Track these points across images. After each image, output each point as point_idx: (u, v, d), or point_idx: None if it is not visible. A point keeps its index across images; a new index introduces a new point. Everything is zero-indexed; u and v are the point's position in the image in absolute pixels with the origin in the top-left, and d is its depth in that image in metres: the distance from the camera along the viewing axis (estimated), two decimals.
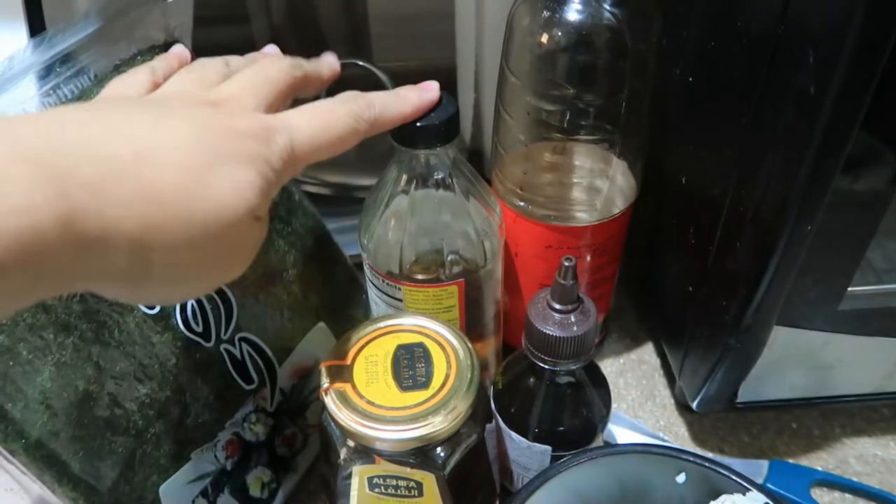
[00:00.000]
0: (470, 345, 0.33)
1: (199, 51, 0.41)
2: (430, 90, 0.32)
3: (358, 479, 0.31)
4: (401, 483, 0.31)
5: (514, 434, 0.36)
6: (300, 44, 0.74)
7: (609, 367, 0.49)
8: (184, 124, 0.23)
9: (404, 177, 0.35)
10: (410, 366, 0.32)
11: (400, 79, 0.61)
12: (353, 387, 0.31)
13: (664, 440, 0.44)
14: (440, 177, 0.35)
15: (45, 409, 0.29)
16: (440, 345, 0.33)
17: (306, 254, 0.42)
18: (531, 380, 0.35)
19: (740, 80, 0.30)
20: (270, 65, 0.28)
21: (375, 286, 0.38)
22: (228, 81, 0.26)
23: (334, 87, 0.62)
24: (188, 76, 0.27)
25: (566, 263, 0.31)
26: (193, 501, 0.34)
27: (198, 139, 0.22)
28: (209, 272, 0.24)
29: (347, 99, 0.28)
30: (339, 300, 0.44)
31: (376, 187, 0.37)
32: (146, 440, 0.33)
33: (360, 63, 0.59)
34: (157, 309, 0.34)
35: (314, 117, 0.26)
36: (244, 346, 0.37)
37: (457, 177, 0.35)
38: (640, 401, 0.47)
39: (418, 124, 0.32)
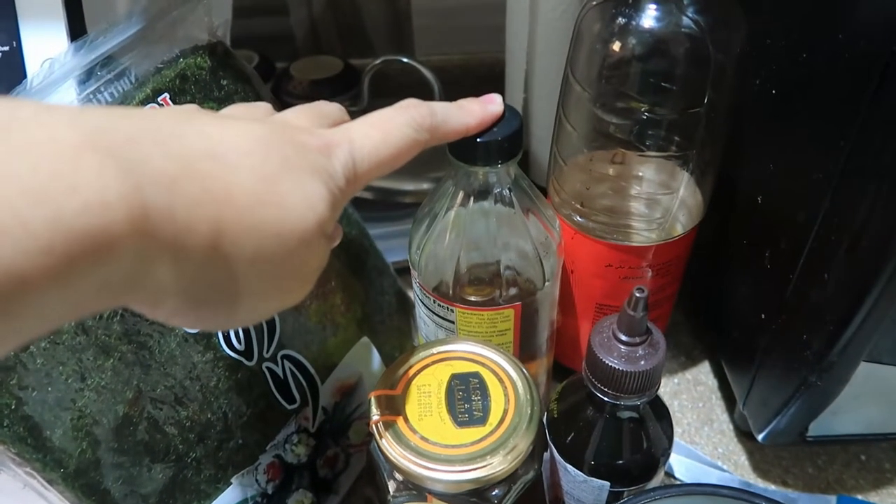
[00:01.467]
0: (529, 376, 0.31)
1: (235, 43, 0.39)
2: (494, 103, 0.30)
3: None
4: None
5: (569, 466, 0.33)
6: (339, 37, 0.72)
7: (663, 387, 0.46)
8: (255, 128, 0.21)
9: (461, 194, 0.33)
10: (466, 398, 0.30)
11: (442, 73, 0.59)
12: (406, 419, 0.29)
13: (724, 470, 0.41)
14: (498, 192, 0.33)
15: (84, 436, 0.28)
16: (497, 375, 0.31)
17: (350, 264, 0.40)
18: (590, 411, 0.33)
19: (838, 99, 0.28)
20: (391, 118, 0.25)
21: (425, 305, 0.36)
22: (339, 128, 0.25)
23: (378, 83, 0.60)
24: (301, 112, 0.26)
25: (637, 294, 0.29)
26: None
27: (269, 144, 0.21)
28: (272, 293, 0.22)
29: (407, 106, 0.26)
30: (383, 312, 0.42)
31: (429, 201, 0.35)
32: (187, 465, 0.31)
33: (405, 60, 0.57)
34: None
35: (374, 128, 0.24)
36: (287, 363, 0.36)
37: (516, 193, 0.33)
38: (697, 425, 0.44)
39: (479, 140, 0.30)
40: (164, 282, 0.18)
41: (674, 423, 0.44)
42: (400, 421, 0.29)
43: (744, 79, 0.34)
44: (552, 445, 0.34)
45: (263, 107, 0.27)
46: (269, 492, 0.34)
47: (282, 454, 0.35)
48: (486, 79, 0.64)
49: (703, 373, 0.47)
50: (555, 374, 0.43)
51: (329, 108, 0.27)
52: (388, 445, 0.28)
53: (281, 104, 0.41)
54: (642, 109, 0.32)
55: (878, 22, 0.24)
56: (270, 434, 0.34)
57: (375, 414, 0.29)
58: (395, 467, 0.28)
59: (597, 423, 0.33)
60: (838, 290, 0.29)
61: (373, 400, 0.30)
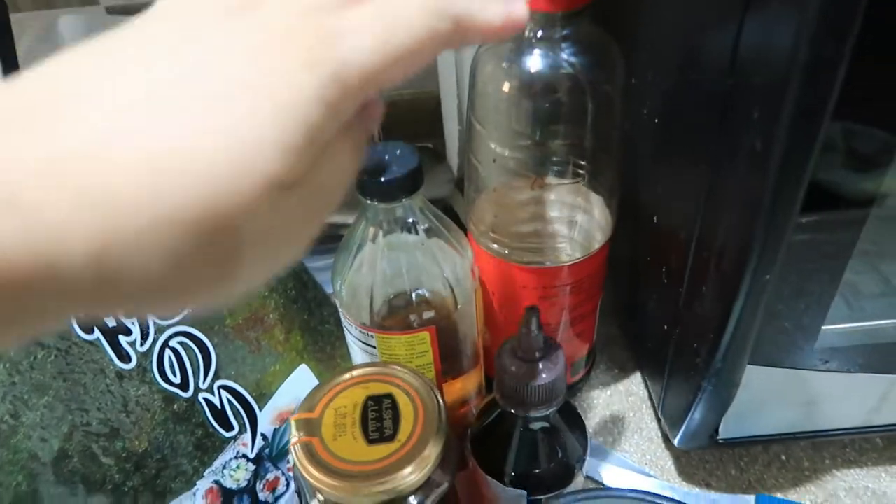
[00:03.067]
0: (437, 394, 0.33)
1: None
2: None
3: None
4: None
5: (489, 479, 0.36)
6: None
7: (596, 398, 0.49)
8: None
9: (371, 228, 0.35)
10: (378, 418, 0.32)
11: (393, 108, 0.62)
12: (321, 440, 0.31)
13: (650, 475, 0.44)
14: (409, 221, 0.35)
15: (19, 471, 0.30)
16: (408, 395, 0.33)
17: (288, 297, 0.43)
18: (505, 425, 0.35)
19: (699, 129, 0.30)
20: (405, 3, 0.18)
21: (350, 332, 0.38)
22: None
23: None
24: None
25: (529, 314, 0.31)
26: None
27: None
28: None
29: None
30: (324, 340, 0.45)
31: (346, 236, 0.37)
32: (124, 493, 0.33)
33: None
34: (133, 363, 0.35)
35: (381, 14, 0.18)
36: (224, 393, 0.38)
37: (424, 223, 0.36)
38: (627, 434, 0.46)
39: (382, 179, 0.33)
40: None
41: (606, 433, 0.47)
42: (316, 442, 0.31)
43: (633, 108, 0.37)
44: (474, 460, 0.36)
45: None
46: None
47: (220, 480, 0.37)
48: (428, 115, 0.68)
49: (635, 384, 0.50)
50: (488, 389, 0.45)
51: None
52: (306, 466, 0.30)
53: None
54: (535, 143, 0.35)
55: (716, 62, 0.27)
56: (208, 461, 0.37)
57: (294, 436, 0.32)
58: (313, 487, 0.31)
59: (512, 437, 0.35)
60: (712, 301, 0.32)
61: (293, 423, 0.32)
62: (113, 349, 0.34)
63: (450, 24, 0.19)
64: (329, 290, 0.47)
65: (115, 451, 0.33)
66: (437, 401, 0.33)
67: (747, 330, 0.31)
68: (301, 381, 0.42)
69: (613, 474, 0.44)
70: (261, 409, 0.39)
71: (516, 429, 0.35)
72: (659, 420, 0.47)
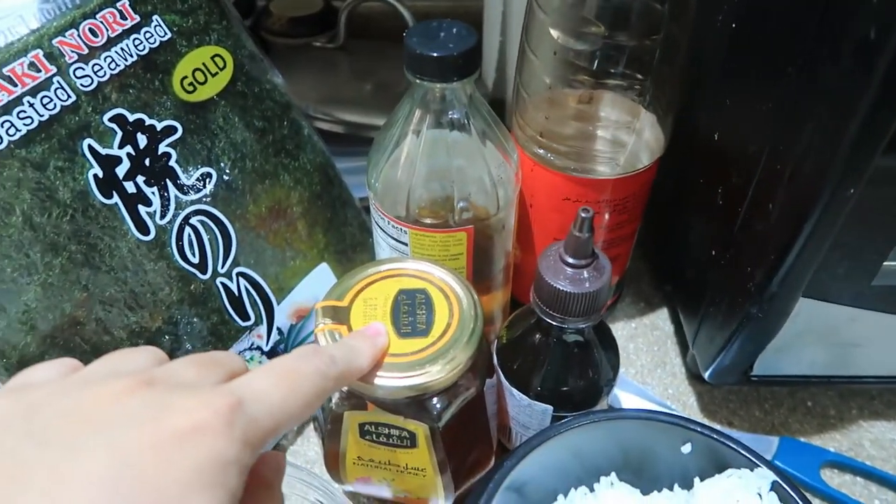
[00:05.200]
0: (475, 294, 0.31)
1: None
2: (380, 335, 0.28)
3: (349, 424, 0.30)
4: (393, 432, 0.30)
5: (515, 391, 0.34)
6: None
7: (620, 330, 0.47)
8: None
9: (417, 113, 0.33)
10: (411, 312, 0.30)
11: (425, 19, 0.58)
12: (350, 329, 0.29)
13: (672, 409, 0.42)
14: (455, 116, 0.33)
15: (28, 330, 0.28)
16: (444, 292, 0.31)
17: (313, 192, 0.40)
18: (537, 336, 0.34)
19: (790, 25, 0.28)
20: (297, 369, 0.22)
21: (381, 228, 0.36)
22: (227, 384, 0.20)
23: (357, 23, 0.59)
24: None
25: (583, 214, 0.29)
26: None
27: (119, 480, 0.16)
28: None
29: (307, 354, 0.23)
30: (346, 243, 0.43)
31: (387, 124, 0.35)
32: None
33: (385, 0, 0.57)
34: (152, 235, 0.33)
35: (280, 379, 0.21)
36: (242, 280, 0.36)
37: (473, 117, 0.33)
38: (650, 367, 0.45)
39: (435, 54, 0.30)
40: None
41: (628, 364, 0.45)
42: (344, 330, 0.29)
43: (706, 15, 0.35)
44: (500, 371, 0.35)
45: (145, 357, 0.21)
46: None
47: None
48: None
49: (661, 319, 0.48)
50: (512, 311, 0.44)
51: (226, 359, 0.22)
52: None
53: (260, 41, 0.41)
54: (601, 36, 0.33)
55: None
56: (222, 348, 0.35)
57: (320, 322, 0.30)
58: None
59: (543, 348, 0.34)
60: (780, 219, 0.30)
61: (319, 310, 0.30)
62: (131, 217, 0.32)
63: (332, 383, 0.23)
64: (355, 193, 0.44)
65: (127, 325, 0.32)
66: (475, 302, 0.31)
67: (815, 251, 0.29)
68: (321, 279, 0.40)
69: (634, 404, 0.42)
70: (278, 303, 0.38)
71: (549, 340, 0.33)
72: (684, 355, 0.45)
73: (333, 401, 0.30)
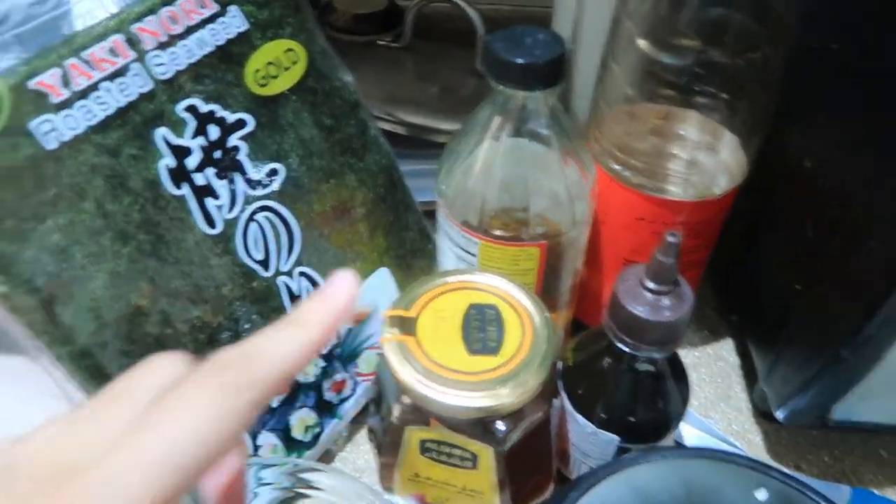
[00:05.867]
0: (549, 315, 0.30)
1: None
2: (347, 283, 0.20)
3: (410, 440, 0.29)
4: (455, 452, 0.28)
5: (579, 417, 0.33)
6: None
7: (682, 358, 0.45)
8: None
9: (497, 120, 0.31)
10: (481, 328, 0.29)
11: (489, 22, 0.57)
12: (418, 341, 0.28)
13: (737, 447, 0.40)
14: (536, 126, 0.32)
15: (94, 318, 0.28)
16: (516, 310, 0.30)
17: (377, 193, 0.39)
18: (607, 361, 0.32)
19: None
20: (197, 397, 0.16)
21: (448, 236, 0.35)
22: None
23: (423, 23, 0.59)
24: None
25: (670, 239, 0.28)
26: None
27: None
28: None
29: (212, 372, 0.17)
30: (406, 248, 0.41)
31: (463, 129, 0.34)
32: None
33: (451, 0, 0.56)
34: (219, 229, 0.32)
35: (173, 423, 0.15)
36: (303, 281, 0.35)
37: (554, 129, 0.32)
38: (713, 400, 0.43)
39: (520, 61, 0.29)
40: None
41: (690, 396, 0.43)
42: (412, 341, 0.28)
43: (807, 35, 0.33)
44: (564, 394, 0.33)
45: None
46: (274, 405, 0.34)
47: None
48: None
49: (726, 349, 0.46)
50: (573, 331, 0.42)
51: (143, 381, 0.17)
52: (398, 364, 0.28)
53: (326, 37, 0.40)
54: (694, 49, 0.31)
55: None
56: None
57: (387, 332, 0.29)
58: (402, 387, 0.28)
59: (613, 375, 0.32)
60: (883, 256, 0.28)
61: (386, 319, 0.29)
62: (200, 210, 0.31)
63: (253, 394, 0.17)
64: (417, 197, 0.43)
65: (189, 319, 0.31)
66: (548, 321, 0.30)
67: None
68: (380, 284, 0.39)
69: (696, 439, 0.40)
70: None
71: (620, 367, 0.32)
72: (750, 390, 0.43)
73: (395, 414, 0.29)
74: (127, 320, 0.29)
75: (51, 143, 0.28)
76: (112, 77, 0.29)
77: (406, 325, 0.29)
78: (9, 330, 0.28)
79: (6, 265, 0.26)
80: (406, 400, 0.28)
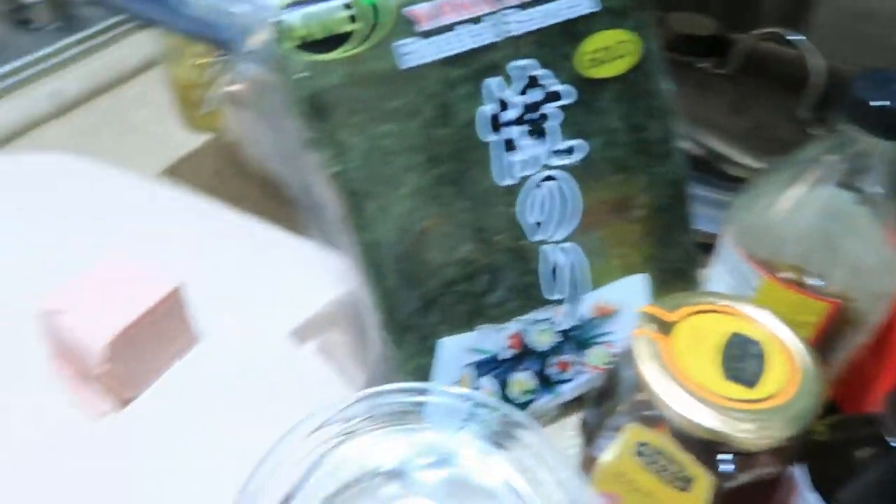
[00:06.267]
0: (821, 374, 0.27)
1: None
2: None
3: (629, 438, 0.28)
4: (672, 467, 0.27)
5: (814, 497, 0.29)
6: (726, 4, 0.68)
7: None
8: None
9: (823, 165, 0.29)
10: (741, 358, 0.27)
11: (832, 77, 0.53)
12: (670, 345, 0.27)
13: None
14: (866, 182, 0.29)
15: (388, 220, 0.31)
16: (784, 353, 0.28)
17: (661, 203, 0.39)
18: (868, 451, 0.28)
19: None
20: None
21: (728, 265, 0.33)
22: None
23: (752, 57, 0.56)
24: None
25: None
26: (463, 368, 0.34)
27: None
28: None
29: None
30: (669, 264, 0.40)
31: (782, 162, 0.32)
32: (450, 292, 0.33)
33: (791, 38, 0.52)
34: (510, 183, 0.34)
35: None
36: (565, 257, 0.36)
37: (887, 189, 0.29)
38: None
39: (881, 104, 0.26)
40: None
41: None
42: (664, 342, 0.28)
43: None
44: (805, 467, 0.30)
45: None
46: (501, 357, 0.35)
47: (527, 332, 0.35)
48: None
49: None
50: (823, 413, 0.37)
51: None
52: (645, 358, 0.27)
53: None
54: None
55: None
56: (524, 310, 0.35)
57: (643, 325, 0.28)
58: (641, 383, 0.27)
59: (873, 469, 0.28)
60: None
61: (645, 312, 0.29)
62: (500, 160, 0.33)
63: None
64: (697, 223, 0.42)
65: (460, 252, 0.33)
66: (819, 381, 0.27)
67: None
68: (635, 288, 0.38)
69: None
70: (588, 293, 0.37)
71: (882, 463, 0.28)
72: None
73: (622, 408, 0.28)
74: (411, 235, 0.32)
75: (407, 63, 0.32)
76: (469, 22, 0.33)
77: (663, 327, 0.28)
78: (325, 206, 0.32)
79: (343, 152, 0.31)
80: (639, 397, 0.28)
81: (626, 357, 0.29)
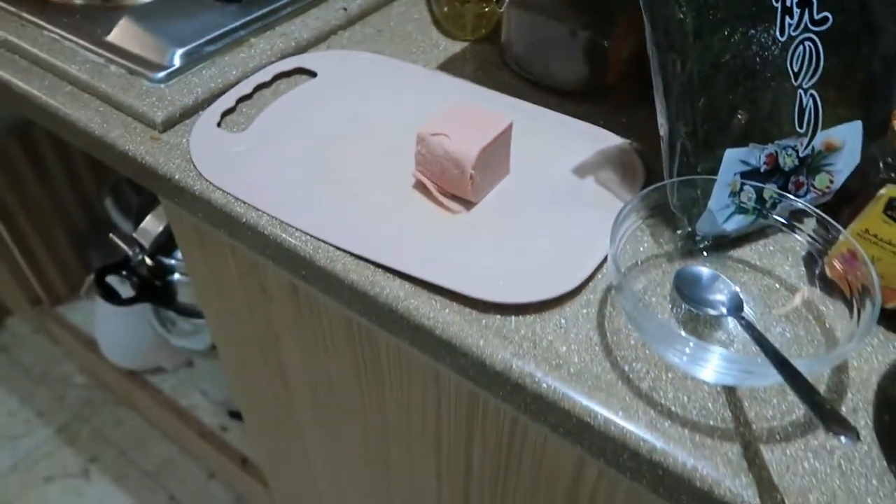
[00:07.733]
0: None
1: None
2: None
3: (882, 197, 0.41)
4: None
5: None
6: None
7: None
8: None
9: None
10: None
11: None
12: None
13: None
14: None
15: (706, 57, 0.45)
16: None
17: (876, 70, 0.51)
18: None
19: None
20: None
21: None
22: None
23: None
24: None
25: None
26: (735, 175, 0.48)
27: None
28: None
29: None
30: (879, 117, 0.53)
31: None
32: (735, 118, 0.47)
33: None
34: (784, 38, 0.47)
35: None
36: (811, 99, 0.49)
37: None
38: None
39: None
40: None
41: None
42: None
43: None
44: None
45: None
46: (761, 170, 0.49)
47: (780, 153, 0.49)
48: None
49: None
50: None
51: None
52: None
53: None
54: None
55: None
56: (780, 135, 0.49)
57: None
58: None
59: None
60: None
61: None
62: (779, 23, 0.47)
63: None
64: None
65: (747, 85, 0.47)
66: None
67: None
68: (853, 132, 0.51)
69: None
70: (822, 130, 0.50)
71: None
72: None
73: (880, 169, 0.42)
74: (717, 68, 0.46)
75: None
76: None
77: None
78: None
79: (683, 4, 0.45)
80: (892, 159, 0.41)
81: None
